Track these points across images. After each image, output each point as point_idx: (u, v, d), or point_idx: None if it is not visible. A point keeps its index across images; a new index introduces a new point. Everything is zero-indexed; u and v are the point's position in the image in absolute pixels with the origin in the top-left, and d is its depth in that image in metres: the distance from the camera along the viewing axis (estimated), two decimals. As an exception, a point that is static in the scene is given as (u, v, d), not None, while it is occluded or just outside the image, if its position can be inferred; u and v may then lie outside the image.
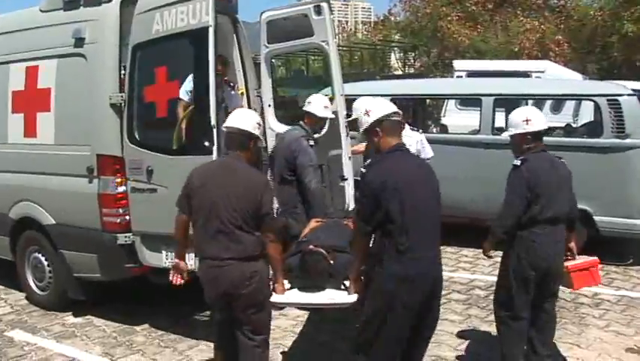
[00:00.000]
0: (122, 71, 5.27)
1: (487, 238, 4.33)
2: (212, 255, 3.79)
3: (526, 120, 4.21)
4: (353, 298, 3.82)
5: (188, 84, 5.11)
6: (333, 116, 5.75)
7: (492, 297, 5.98)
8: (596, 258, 4.68)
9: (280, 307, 4.40)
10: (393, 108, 3.73)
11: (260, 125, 4.04)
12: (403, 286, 3.48)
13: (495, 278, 6.11)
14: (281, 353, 4.97)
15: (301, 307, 4.72)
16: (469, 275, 6.86)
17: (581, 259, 4.59)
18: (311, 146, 5.46)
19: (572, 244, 4.51)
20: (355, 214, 3.74)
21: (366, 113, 3.69)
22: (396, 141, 3.69)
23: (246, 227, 3.75)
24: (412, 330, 3.65)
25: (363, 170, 3.72)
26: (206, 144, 4.70)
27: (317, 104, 5.59)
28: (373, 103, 3.76)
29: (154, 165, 5.08)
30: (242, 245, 3.75)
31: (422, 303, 3.57)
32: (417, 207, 3.49)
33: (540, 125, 4.23)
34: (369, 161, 3.80)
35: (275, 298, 3.98)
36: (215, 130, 4.69)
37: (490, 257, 4.50)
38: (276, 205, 4.05)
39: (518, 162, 4.14)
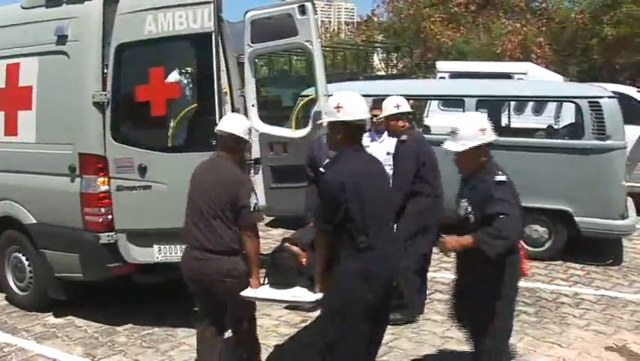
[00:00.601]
0: (106, 70, 5.24)
1: (470, 240, 3.75)
2: (192, 244, 4.12)
3: (483, 130, 3.82)
4: (317, 296, 3.81)
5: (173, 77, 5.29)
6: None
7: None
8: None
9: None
10: (366, 115, 3.67)
11: (250, 130, 4.33)
12: (364, 284, 3.47)
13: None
14: (273, 347, 4.97)
15: (269, 302, 4.66)
16: (451, 275, 6.86)
17: None
18: None
19: None
20: (316, 214, 3.70)
21: (337, 108, 3.60)
22: (356, 143, 3.68)
23: (225, 219, 4.02)
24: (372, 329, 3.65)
25: (322, 170, 3.69)
26: (212, 140, 4.86)
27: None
28: (349, 101, 3.63)
29: (148, 162, 5.11)
30: (218, 237, 4.03)
31: (381, 298, 3.58)
32: (376, 205, 3.52)
33: (493, 134, 3.89)
34: (327, 161, 3.73)
35: (245, 292, 4.08)
36: None
37: (448, 256, 4.19)
38: (255, 200, 4.07)
39: (504, 178, 3.75)
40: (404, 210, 5.38)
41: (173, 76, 5.38)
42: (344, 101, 3.62)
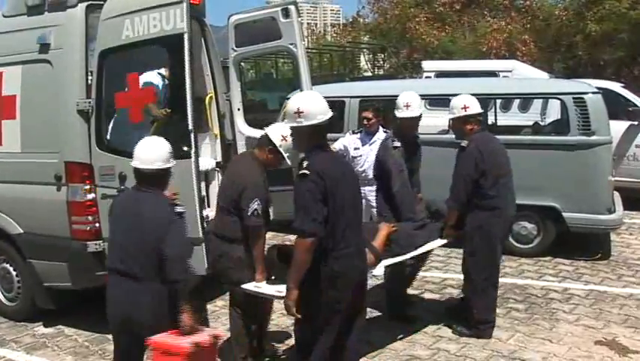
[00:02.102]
0: (90, 77, 5.21)
1: None
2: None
3: None
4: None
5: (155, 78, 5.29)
6: (412, 114, 5.45)
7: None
8: None
9: None
10: (328, 114, 3.63)
11: (285, 137, 4.34)
12: (328, 283, 3.53)
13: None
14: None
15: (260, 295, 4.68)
16: (441, 274, 6.91)
17: None
18: (395, 147, 5.34)
19: None
20: (307, 222, 3.45)
21: (298, 113, 3.57)
22: (323, 141, 3.69)
23: (231, 209, 4.37)
24: (346, 321, 3.71)
25: (306, 172, 3.50)
26: (185, 148, 4.81)
27: (398, 102, 5.46)
28: (309, 104, 3.61)
29: (127, 171, 5.01)
30: (222, 223, 4.47)
31: (353, 293, 3.64)
32: (346, 206, 3.56)
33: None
34: (306, 163, 3.56)
35: (245, 285, 4.33)
36: (192, 134, 4.80)
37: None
38: (255, 206, 4.26)
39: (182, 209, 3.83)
40: (463, 222, 5.11)
41: (148, 76, 5.33)
42: (304, 104, 3.60)
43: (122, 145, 5.20)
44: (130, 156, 5.00)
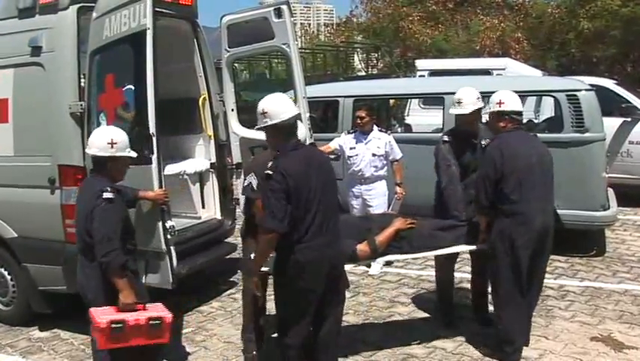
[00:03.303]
0: (83, 80, 5.19)
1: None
2: None
3: (111, 143, 4.03)
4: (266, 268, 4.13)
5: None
6: (463, 111, 5.12)
7: (461, 294, 6.07)
8: None
9: None
10: (292, 112, 3.83)
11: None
12: (298, 274, 3.75)
13: (464, 275, 6.18)
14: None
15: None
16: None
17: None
18: (444, 142, 5.26)
19: None
20: (268, 219, 3.71)
21: (263, 114, 3.81)
22: (293, 139, 3.88)
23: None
24: (319, 310, 3.91)
25: (269, 172, 3.74)
26: (146, 152, 4.66)
27: (453, 99, 5.31)
28: (272, 105, 3.83)
29: None
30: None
31: (325, 284, 3.83)
32: (312, 199, 3.71)
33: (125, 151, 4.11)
34: (270, 164, 3.79)
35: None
36: (154, 138, 4.65)
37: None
38: (250, 179, 4.46)
39: (111, 195, 3.96)
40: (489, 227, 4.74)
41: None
42: (268, 105, 3.83)
43: None
44: None
